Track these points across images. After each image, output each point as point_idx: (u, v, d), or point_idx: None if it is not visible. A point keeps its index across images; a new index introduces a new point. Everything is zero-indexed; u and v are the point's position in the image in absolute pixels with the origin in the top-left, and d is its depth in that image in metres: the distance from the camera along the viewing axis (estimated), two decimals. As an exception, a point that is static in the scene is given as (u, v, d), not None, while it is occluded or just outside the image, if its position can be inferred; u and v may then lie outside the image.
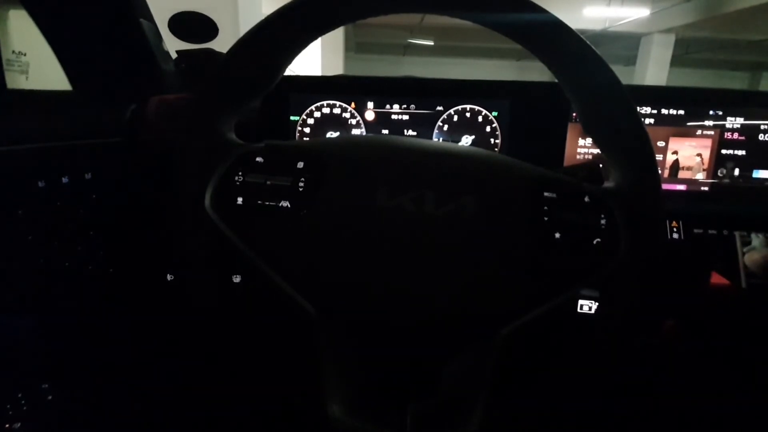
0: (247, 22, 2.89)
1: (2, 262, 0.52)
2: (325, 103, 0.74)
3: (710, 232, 0.67)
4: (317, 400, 0.34)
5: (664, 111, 0.71)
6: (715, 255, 0.66)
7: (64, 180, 0.56)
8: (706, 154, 0.72)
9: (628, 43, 8.29)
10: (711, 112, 0.71)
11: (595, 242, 0.35)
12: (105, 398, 0.68)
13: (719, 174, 0.73)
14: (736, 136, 0.71)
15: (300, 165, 0.36)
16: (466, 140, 0.74)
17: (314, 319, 0.36)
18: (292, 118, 0.74)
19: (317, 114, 0.74)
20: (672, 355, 0.73)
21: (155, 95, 0.69)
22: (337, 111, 0.74)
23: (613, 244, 0.35)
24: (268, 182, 0.36)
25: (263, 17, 0.35)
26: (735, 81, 11.57)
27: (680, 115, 0.71)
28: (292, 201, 0.35)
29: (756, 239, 0.66)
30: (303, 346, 0.37)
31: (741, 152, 0.72)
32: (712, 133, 0.71)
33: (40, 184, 0.54)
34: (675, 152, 0.72)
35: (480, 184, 0.36)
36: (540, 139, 0.73)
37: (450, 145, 0.41)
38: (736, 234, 0.66)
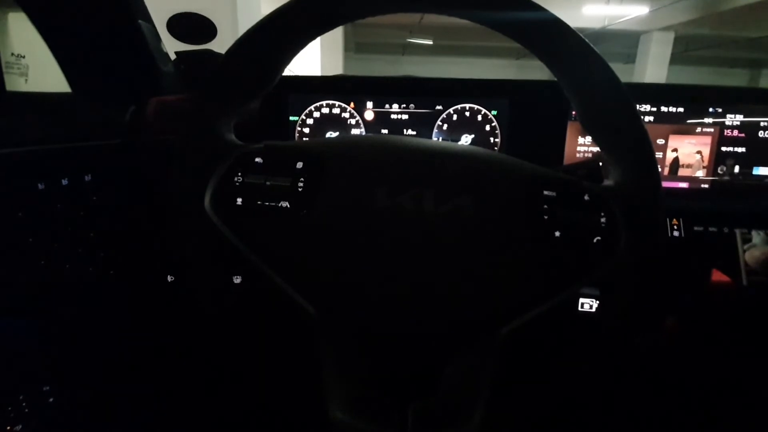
0: (245, 23, 2.89)
1: (2, 264, 0.52)
2: (324, 103, 0.74)
3: (711, 229, 0.67)
4: (318, 401, 0.34)
5: (663, 108, 0.71)
6: (716, 252, 0.66)
7: (64, 182, 0.56)
8: (706, 151, 0.72)
9: (628, 40, 8.28)
10: (711, 110, 0.71)
11: (595, 240, 0.35)
12: (106, 400, 0.68)
13: (719, 171, 0.73)
14: (735, 133, 0.71)
15: (299, 165, 0.36)
16: (466, 139, 0.74)
17: (315, 320, 0.36)
18: (291, 118, 0.74)
19: (316, 114, 0.74)
20: (673, 353, 0.73)
21: (154, 96, 0.69)
22: (336, 111, 0.74)
23: (613, 243, 0.35)
24: (268, 183, 0.36)
25: (262, 17, 0.35)
26: (734, 78, 11.56)
27: (680, 112, 0.71)
28: (291, 201, 0.35)
29: (756, 236, 0.66)
30: (304, 347, 0.37)
31: (741, 149, 0.72)
32: (712, 130, 0.71)
33: (40, 186, 0.53)
34: (675, 150, 0.72)
35: (480, 183, 0.36)
36: (540, 138, 0.73)
37: (449, 144, 0.41)
38: (737, 231, 0.66)
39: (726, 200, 0.72)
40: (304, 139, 0.75)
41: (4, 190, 0.51)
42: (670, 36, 7.64)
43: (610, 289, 0.38)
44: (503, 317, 0.35)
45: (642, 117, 0.64)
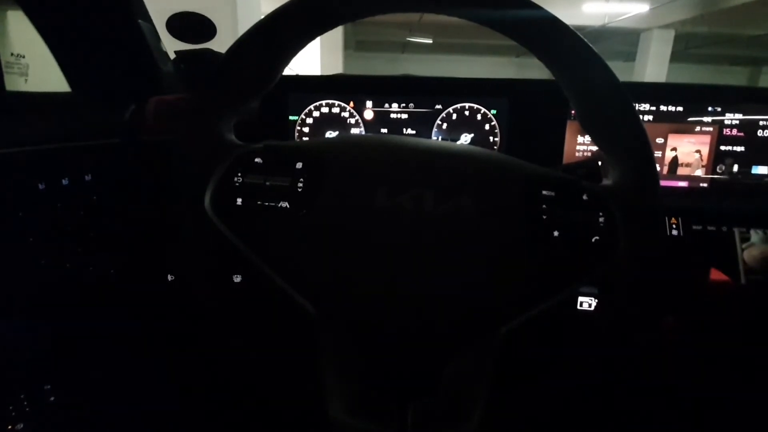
0: (245, 22, 2.89)
1: (3, 264, 0.53)
2: (323, 102, 0.74)
3: (709, 228, 0.67)
4: (318, 400, 0.34)
5: (662, 107, 0.71)
6: (715, 251, 0.66)
7: (64, 182, 0.56)
8: (705, 150, 0.72)
9: (628, 38, 8.27)
10: (710, 109, 0.71)
11: (593, 240, 0.35)
12: (106, 399, 0.68)
13: (718, 170, 0.73)
14: (734, 132, 0.71)
15: (299, 165, 0.37)
16: (465, 139, 0.74)
17: (314, 319, 0.36)
18: (291, 117, 0.74)
19: (316, 113, 0.74)
20: (671, 352, 0.73)
21: (154, 96, 0.69)
22: (335, 110, 0.74)
23: (611, 242, 0.35)
24: (267, 183, 0.36)
25: (262, 17, 0.35)
26: (734, 76, 11.54)
27: (679, 111, 0.71)
28: (291, 201, 0.35)
29: (755, 235, 0.66)
30: (303, 346, 0.37)
31: (740, 148, 0.72)
32: (711, 129, 0.71)
33: (40, 186, 0.54)
34: (674, 149, 0.72)
35: (479, 183, 0.36)
36: (539, 137, 0.73)
37: (449, 144, 0.41)
38: (735, 230, 0.66)
39: (725, 199, 0.73)
40: (304, 138, 0.75)
41: (4, 190, 0.51)
42: (670, 34, 7.63)
43: (609, 287, 0.38)
44: (502, 317, 0.36)
45: (641, 116, 0.64)
